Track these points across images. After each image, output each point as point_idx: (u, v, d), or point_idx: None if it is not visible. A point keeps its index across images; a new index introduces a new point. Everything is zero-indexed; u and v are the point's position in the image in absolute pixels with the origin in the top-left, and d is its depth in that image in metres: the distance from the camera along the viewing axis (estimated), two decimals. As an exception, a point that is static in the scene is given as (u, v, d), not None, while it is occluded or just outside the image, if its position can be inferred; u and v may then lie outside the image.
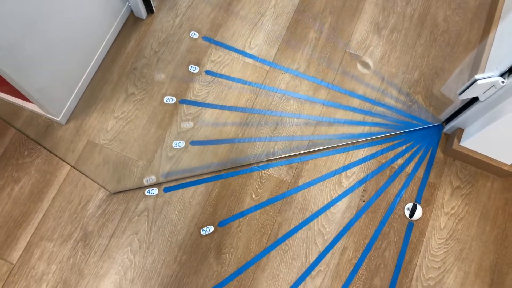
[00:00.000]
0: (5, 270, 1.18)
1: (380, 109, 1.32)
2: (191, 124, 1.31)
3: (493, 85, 1.00)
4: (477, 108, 1.12)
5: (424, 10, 1.43)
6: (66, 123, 1.31)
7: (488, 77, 1.00)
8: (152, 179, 1.25)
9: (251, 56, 1.38)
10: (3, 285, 1.17)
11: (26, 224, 1.23)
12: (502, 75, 0.98)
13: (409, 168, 1.27)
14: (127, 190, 1.25)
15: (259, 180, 1.27)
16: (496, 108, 1.04)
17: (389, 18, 1.43)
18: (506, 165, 1.20)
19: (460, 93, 1.08)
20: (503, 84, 0.98)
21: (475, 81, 1.01)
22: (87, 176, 1.25)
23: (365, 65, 1.38)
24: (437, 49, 1.39)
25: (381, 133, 1.30)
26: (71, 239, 1.21)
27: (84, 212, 1.24)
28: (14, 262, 1.20)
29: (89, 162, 1.27)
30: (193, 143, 1.29)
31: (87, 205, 1.25)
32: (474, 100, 1.12)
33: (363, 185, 1.26)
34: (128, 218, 1.23)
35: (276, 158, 1.28)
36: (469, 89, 1.05)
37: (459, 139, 1.22)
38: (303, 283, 1.17)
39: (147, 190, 1.25)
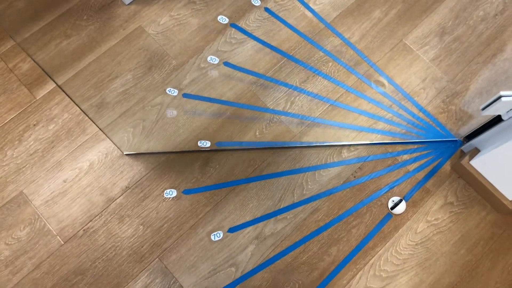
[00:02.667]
0: (27, 101, 1.41)
1: (409, 104, 1.40)
2: (232, 47, 1.46)
3: (517, 105, 1.06)
4: (497, 129, 1.18)
5: (496, 33, 1.48)
6: (129, 4, 1.51)
7: (514, 95, 1.06)
8: (175, 90, 1.42)
9: (312, 11, 1.50)
10: (21, 112, 1.40)
11: (59, 74, 1.45)
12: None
13: (412, 167, 1.34)
14: (152, 82, 1.43)
15: (268, 121, 1.40)
16: (512, 131, 1.09)
17: (457, 27, 1.49)
18: (507, 200, 1.24)
19: (483, 108, 1.13)
20: (528, 104, 1.03)
21: (500, 97, 1.06)
22: (124, 55, 1.44)
23: (415, 59, 1.46)
24: (492, 73, 1.44)
25: (401, 126, 1.38)
26: (89, 101, 1.42)
27: (109, 84, 1.44)
28: (37, 98, 1.42)
29: (132, 44, 1.47)
30: (226, 64, 1.45)
31: (114, 80, 1.44)
32: (497, 121, 1.18)
33: (361, 163, 1.35)
34: (142, 105, 1.41)
35: (293, 109, 1.41)
36: (492, 105, 1.09)
37: (471, 158, 1.27)
38: (265, 221, 1.29)
39: (168, 89, 1.43)
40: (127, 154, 1.35)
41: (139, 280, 1.25)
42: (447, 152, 1.34)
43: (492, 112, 1.10)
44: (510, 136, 1.09)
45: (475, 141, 1.27)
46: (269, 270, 1.24)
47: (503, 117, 1.12)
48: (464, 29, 1.48)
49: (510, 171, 1.16)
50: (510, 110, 1.08)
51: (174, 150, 1.35)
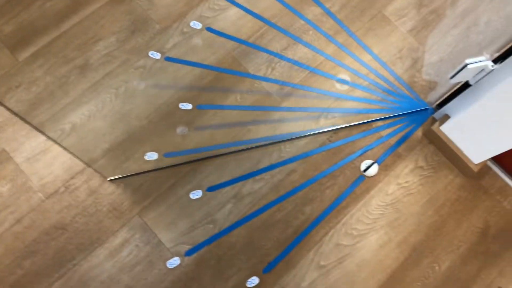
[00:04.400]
0: (10, 63, 1.46)
1: (386, 73, 1.50)
2: (215, 13, 1.54)
3: (483, 69, 1.16)
4: (465, 94, 1.28)
5: (471, 7, 1.58)
6: (111, -32, 1.57)
7: (479, 61, 1.16)
8: (158, 54, 1.49)
9: (293, -20, 1.58)
10: (3, 74, 1.46)
11: (42, 35, 1.50)
12: (493, 60, 1.14)
13: (385, 132, 1.44)
14: (135, 45, 1.50)
15: (249, 86, 1.48)
16: (478, 95, 1.19)
17: (434, 0, 1.59)
18: (472, 164, 1.35)
19: (452, 77, 1.23)
20: (492, 68, 1.13)
21: (466, 65, 1.16)
22: (108, 19, 1.51)
23: (393, 29, 1.55)
24: (466, 45, 1.54)
25: (377, 93, 1.47)
26: (72, 63, 1.48)
27: (93, 47, 1.50)
28: (20, 60, 1.48)
29: (116, 8, 1.52)
30: (209, 29, 1.52)
31: (98, 43, 1.51)
32: (466, 87, 1.28)
33: (336, 128, 1.44)
34: (125, 67, 1.48)
35: (274, 75, 1.49)
36: (460, 73, 1.19)
37: (440, 124, 1.37)
38: (244, 181, 1.38)
39: (150, 52, 1.50)
40: (110, 116, 1.42)
41: (119, 235, 1.33)
42: (419, 119, 1.44)
43: (460, 79, 1.20)
44: (474, 100, 1.19)
45: (445, 108, 1.37)
46: (246, 227, 1.34)
47: (470, 82, 1.22)
48: (441, 2, 1.57)
49: (474, 135, 1.26)
50: (477, 74, 1.18)
51: (155, 112, 1.42)
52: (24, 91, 1.43)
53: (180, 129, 1.32)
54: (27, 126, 1.40)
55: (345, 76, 1.47)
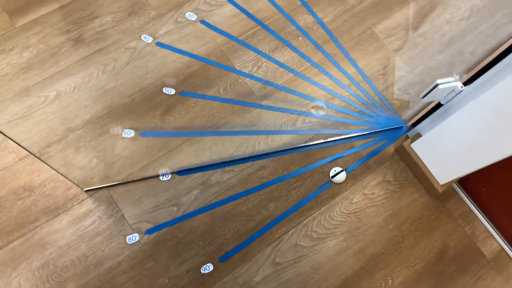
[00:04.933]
0: (7, 27, 1.52)
1: (368, 87, 1.55)
2: (211, 8, 1.60)
3: (453, 90, 1.21)
4: (436, 114, 1.33)
5: (458, 36, 1.64)
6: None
7: (449, 82, 1.21)
8: (150, 38, 1.55)
9: (291, -12, 1.65)
10: (0, 35, 1.52)
11: (42, 5, 1.56)
12: (464, 83, 1.19)
13: (358, 143, 1.48)
14: (130, 27, 1.56)
15: (233, 81, 1.53)
16: (446, 115, 1.24)
17: (424, 25, 1.65)
18: (438, 184, 1.39)
19: (423, 96, 1.27)
20: (461, 89, 1.18)
21: (437, 85, 1.21)
22: (107, -2, 1.57)
23: (380, 47, 1.61)
24: (448, 71, 1.59)
25: (356, 105, 1.52)
26: (66, 35, 1.54)
27: (89, 23, 1.56)
28: (16, 26, 1.54)
29: (115, -11, 1.60)
30: (203, 22, 1.58)
31: (94, 20, 1.56)
32: (438, 107, 1.33)
33: (312, 135, 1.49)
34: (117, 46, 1.54)
35: (259, 74, 1.54)
36: (431, 92, 1.24)
37: (412, 141, 1.42)
38: (213, 171, 1.42)
39: (143, 36, 1.56)
40: (94, 90, 1.47)
41: (84, 205, 1.36)
42: (393, 136, 1.49)
43: (431, 98, 1.25)
44: (442, 119, 1.23)
45: (418, 127, 1.42)
46: (209, 214, 1.37)
47: (441, 102, 1.27)
48: (430, 27, 1.63)
49: (441, 154, 1.30)
50: (448, 94, 1.23)
51: (139, 92, 1.47)
52: (17, 55, 1.48)
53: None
54: (13, 89, 1.45)
55: (327, 83, 1.51)
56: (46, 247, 1.30)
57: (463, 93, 1.16)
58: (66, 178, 1.32)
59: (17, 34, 1.51)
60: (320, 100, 1.49)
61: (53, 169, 1.27)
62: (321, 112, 1.46)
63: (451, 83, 1.18)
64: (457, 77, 1.17)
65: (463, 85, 1.16)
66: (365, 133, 1.46)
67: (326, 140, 1.43)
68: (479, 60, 1.21)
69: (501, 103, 1.01)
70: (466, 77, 1.16)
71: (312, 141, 1.45)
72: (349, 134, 1.46)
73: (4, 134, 1.27)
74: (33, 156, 1.38)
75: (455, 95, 1.19)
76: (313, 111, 1.44)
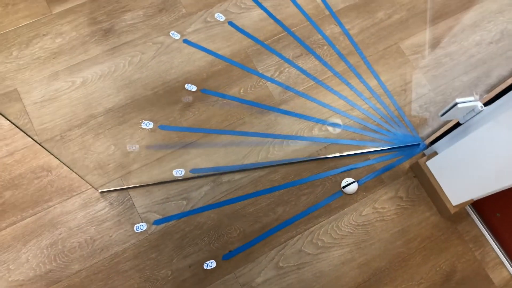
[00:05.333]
0: (43, 12, 1.59)
1: (388, 101, 1.55)
2: (240, 10, 1.64)
3: (473, 109, 1.20)
4: (454, 133, 1.32)
5: (486, 58, 1.62)
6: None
7: (468, 101, 1.20)
8: (178, 34, 1.59)
9: (321, -2, 1.67)
10: (35, 21, 1.58)
11: (78, -5, 1.64)
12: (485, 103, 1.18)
13: (373, 156, 1.48)
14: (159, 22, 1.61)
15: (254, 83, 1.56)
16: (464, 134, 1.23)
17: (452, 45, 1.64)
18: (450, 205, 1.37)
19: (442, 115, 1.27)
20: (481, 109, 1.18)
21: (456, 104, 1.20)
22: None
23: (405, 62, 1.61)
24: (472, 93, 1.58)
25: (374, 118, 1.52)
26: (98, 25, 1.59)
27: (121, 15, 1.61)
28: (53, 12, 1.61)
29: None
30: (230, 23, 1.62)
31: (126, 13, 1.61)
32: (457, 126, 1.32)
33: (327, 144, 1.50)
34: (145, 40, 1.58)
35: (280, 78, 1.56)
36: (450, 111, 1.24)
37: (428, 159, 1.41)
38: (226, 170, 1.44)
39: (171, 32, 1.60)
40: (119, 80, 1.51)
41: (97, 191, 1.40)
42: (409, 152, 1.48)
43: (449, 117, 1.25)
44: (460, 138, 1.22)
45: (435, 145, 1.41)
46: (217, 211, 1.39)
47: (460, 121, 1.26)
48: (458, 48, 1.62)
49: (456, 174, 1.29)
50: (467, 114, 1.22)
51: (162, 86, 1.51)
52: (50, 40, 1.55)
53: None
54: (43, 72, 1.51)
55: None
56: (56, 227, 1.34)
57: (483, 113, 1.15)
58: (78, 175, 1.37)
59: (52, 21, 1.57)
60: (339, 110, 1.50)
61: (61, 161, 1.31)
62: (337, 130, 1.46)
63: (470, 102, 1.17)
64: (477, 97, 1.16)
65: (483, 105, 1.15)
66: (381, 149, 1.46)
67: (341, 154, 1.44)
68: (502, 82, 1.21)
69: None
70: (487, 97, 1.15)
71: (327, 149, 1.46)
72: (365, 146, 1.46)
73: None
74: (54, 140, 1.43)
75: (475, 115, 1.18)
76: (330, 129, 1.45)
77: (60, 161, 1.32)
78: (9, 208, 1.35)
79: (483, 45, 1.61)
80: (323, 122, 1.49)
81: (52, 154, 1.29)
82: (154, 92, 1.49)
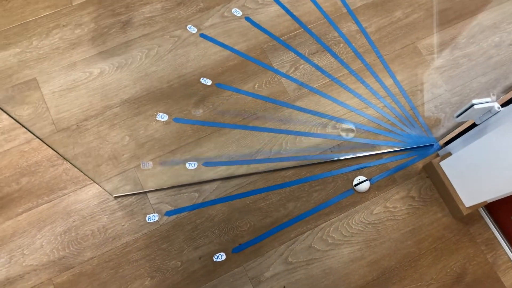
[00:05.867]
0: (64, 4, 1.62)
1: (403, 100, 1.55)
2: (257, 6, 1.65)
3: (489, 110, 1.20)
4: (469, 134, 1.31)
5: (505, 60, 1.61)
6: None
7: (485, 102, 1.20)
8: (195, 28, 1.61)
9: (339, -5, 1.68)
10: (56, 11, 1.62)
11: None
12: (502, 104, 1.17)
13: (386, 156, 1.49)
14: (177, 16, 1.63)
15: (269, 79, 1.57)
16: (479, 135, 1.23)
17: (470, 46, 1.63)
18: (463, 206, 1.37)
19: (457, 116, 1.26)
20: (498, 110, 1.17)
21: (472, 105, 1.20)
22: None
23: (422, 62, 1.61)
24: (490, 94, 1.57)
25: (389, 117, 1.52)
26: (117, 17, 1.62)
27: (139, 8, 1.64)
28: (73, 4, 1.64)
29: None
30: (247, 19, 1.63)
31: (145, 6, 1.64)
32: (472, 127, 1.31)
33: (340, 142, 1.50)
34: (162, 33, 1.60)
35: (295, 75, 1.58)
36: (466, 112, 1.23)
37: (441, 159, 1.41)
38: (238, 166, 1.46)
39: (189, 26, 1.63)
40: (136, 72, 1.54)
41: (110, 181, 1.43)
42: (423, 152, 1.48)
43: (465, 118, 1.24)
44: (475, 139, 1.22)
45: (450, 146, 1.40)
46: (228, 205, 1.40)
47: (476, 122, 1.26)
48: (476, 49, 1.62)
49: (470, 175, 1.29)
50: (483, 115, 1.22)
51: (177, 79, 1.53)
52: (69, 31, 1.58)
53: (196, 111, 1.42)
54: (61, 63, 1.54)
55: (363, 91, 1.53)
56: (70, 215, 1.37)
57: (499, 115, 1.15)
58: (91, 178, 1.39)
59: (72, 12, 1.60)
60: (353, 108, 1.50)
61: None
62: (351, 135, 1.47)
63: (487, 103, 1.17)
64: (494, 98, 1.16)
65: (500, 106, 1.15)
66: (395, 149, 1.46)
67: (355, 156, 1.44)
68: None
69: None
70: (504, 98, 1.15)
71: (340, 147, 1.46)
72: (378, 145, 1.46)
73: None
74: (71, 129, 1.46)
75: (491, 116, 1.18)
76: (343, 134, 1.45)
77: (63, 157, 1.36)
78: (25, 194, 1.38)
79: (502, 47, 1.60)
80: (337, 119, 1.49)
81: (52, 149, 1.33)
82: (170, 85, 1.52)
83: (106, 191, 1.37)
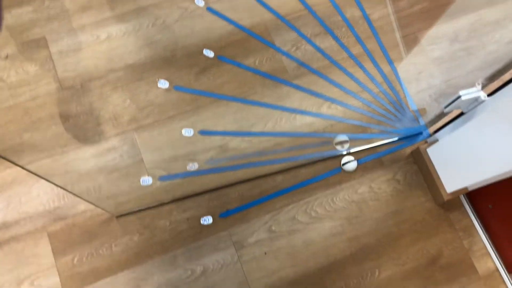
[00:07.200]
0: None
1: (399, 87, 1.62)
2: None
3: (476, 99, 1.27)
4: (456, 122, 1.38)
5: (503, 57, 1.68)
6: None
7: (471, 92, 1.26)
8: (202, 1, 1.69)
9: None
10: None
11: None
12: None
13: (375, 141, 1.56)
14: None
15: (270, 56, 1.64)
16: (465, 123, 1.30)
17: (470, 40, 1.69)
18: (445, 192, 1.44)
19: (446, 107, 1.33)
20: (484, 100, 1.24)
21: (460, 96, 1.27)
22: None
23: (421, 52, 1.67)
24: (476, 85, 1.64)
25: (383, 102, 1.60)
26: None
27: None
28: (86, -32, 1.72)
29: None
30: (253, -4, 1.71)
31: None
32: (460, 115, 1.38)
33: (333, 121, 1.58)
34: (171, 3, 1.66)
35: (296, 54, 1.65)
36: (454, 103, 1.30)
37: (428, 146, 1.48)
38: (233, 137, 1.54)
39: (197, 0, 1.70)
40: (141, 39, 1.62)
41: (109, 141, 1.52)
42: (413, 138, 1.55)
43: (453, 108, 1.31)
44: (460, 126, 1.30)
45: (438, 134, 1.48)
46: (220, 175, 1.49)
47: (463, 111, 1.33)
48: (476, 43, 1.68)
49: (454, 162, 1.36)
50: (470, 104, 1.29)
51: (180, 49, 1.61)
52: (80, -5, 1.66)
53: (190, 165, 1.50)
54: (71, 24, 1.63)
55: (360, 76, 1.60)
56: (69, 171, 1.46)
57: (486, 103, 1.22)
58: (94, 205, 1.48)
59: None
60: (349, 91, 1.58)
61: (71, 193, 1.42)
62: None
63: (474, 93, 1.24)
64: (479, 87, 1.23)
65: (486, 96, 1.22)
66: (386, 135, 1.53)
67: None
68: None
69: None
70: (492, 86, 1.21)
71: (333, 127, 1.54)
72: (370, 129, 1.53)
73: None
74: (75, 88, 1.55)
75: (478, 105, 1.25)
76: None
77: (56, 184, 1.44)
78: (27, 149, 1.48)
79: (502, 43, 1.66)
80: (332, 100, 1.57)
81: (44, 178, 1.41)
82: (173, 54, 1.60)
83: (105, 209, 1.44)
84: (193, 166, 1.42)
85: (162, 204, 1.43)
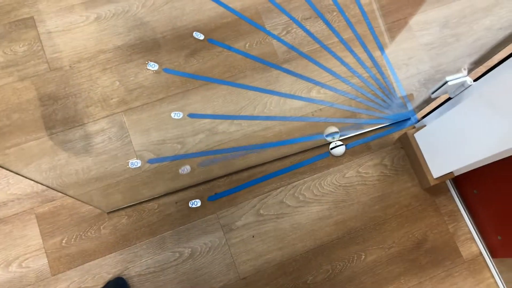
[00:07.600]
0: None
1: (388, 72, 1.63)
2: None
3: (462, 84, 1.28)
4: (444, 107, 1.40)
5: (492, 43, 1.69)
6: None
7: (458, 78, 1.28)
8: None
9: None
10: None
11: None
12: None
13: (364, 126, 1.58)
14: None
15: (261, 39, 1.64)
16: (451, 107, 1.32)
17: (460, 26, 1.70)
18: (431, 177, 1.46)
19: (433, 92, 1.35)
20: (470, 84, 1.26)
21: (446, 82, 1.28)
22: None
23: (411, 37, 1.68)
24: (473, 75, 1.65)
25: (372, 87, 1.61)
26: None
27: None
28: None
29: None
30: (244, -22, 1.70)
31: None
32: (447, 101, 1.40)
33: (323, 106, 1.59)
34: (160, -15, 1.68)
35: (286, 38, 1.65)
36: (440, 89, 1.32)
37: (416, 131, 1.50)
38: (222, 120, 1.55)
39: (188, -20, 1.69)
40: (131, 20, 1.61)
41: (98, 123, 1.52)
42: (401, 124, 1.57)
43: (440, 93, 1.33)
44: (447, 110, 1.31)
45: (426, 119, 1.49)
46: (207, 158, 1.50)
47: (450, 96, 1.34)
48: (466, 29, 1.69)
49: (440, 147, 1.38)
50: (456, 89, 1.30)
51: (170, 31, 1.60)
52: (68, -26, 1.64)
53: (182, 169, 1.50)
54: (60, 4, 1.61)
55: (350, 60, 1.61)
56: (57, 153, 1.47)
57: (471, 88, 1.24)
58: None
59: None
60: (339, 75, 1.58)
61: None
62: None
63: (460, 78, 1.25)
64: (465, 72, 1.24)
65: (472, 81, 1.23)
66: (374, 119, 1.54)
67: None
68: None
69: (496, 97, 1.08)
70: (478, 71, 1.23)
71: (322, 112, 1.55)
72: (359, 113, 1.54)
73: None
74: (64, 69, 1.54)
75: (464, 90, 1.26)
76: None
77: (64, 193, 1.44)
78: (15, 130, 1.47)
79: (492, 30, 1.67)
80: (321, 85, 1.57)
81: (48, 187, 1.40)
82: (163, 36, 1.59)
83: (99, 209, 1.44)
84: (185, 170, 1.43)
85: (150, 188, 1.44)
